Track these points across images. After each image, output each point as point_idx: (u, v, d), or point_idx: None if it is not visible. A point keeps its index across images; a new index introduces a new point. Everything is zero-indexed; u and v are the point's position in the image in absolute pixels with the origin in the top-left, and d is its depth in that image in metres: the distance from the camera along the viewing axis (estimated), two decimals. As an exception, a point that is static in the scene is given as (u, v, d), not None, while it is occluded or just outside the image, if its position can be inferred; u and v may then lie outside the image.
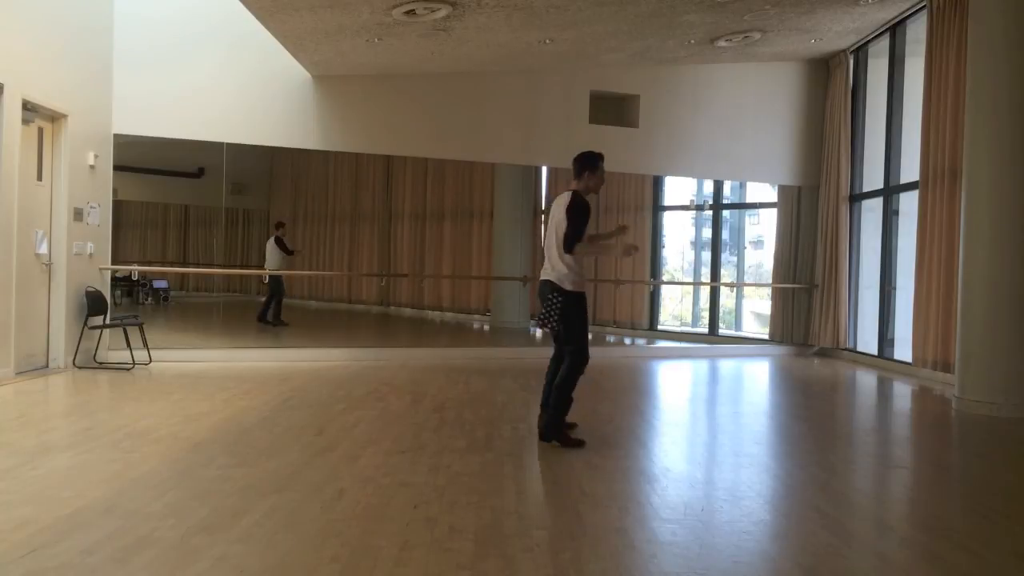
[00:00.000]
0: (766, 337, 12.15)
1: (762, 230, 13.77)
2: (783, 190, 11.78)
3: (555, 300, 5.27)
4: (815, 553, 3.48)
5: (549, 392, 5.41)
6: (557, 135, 10.34)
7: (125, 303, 14.33)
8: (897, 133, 10.21)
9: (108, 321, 8.64)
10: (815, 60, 11.28)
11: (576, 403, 5.42)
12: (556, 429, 5.26)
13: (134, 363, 8.36)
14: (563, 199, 5.34)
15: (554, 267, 5.32)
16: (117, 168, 9.13)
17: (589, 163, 5.40)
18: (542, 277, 5.41)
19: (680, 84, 11.02)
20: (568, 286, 5.27)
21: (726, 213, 13.83)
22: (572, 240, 5.23)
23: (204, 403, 6.48)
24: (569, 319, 5.31)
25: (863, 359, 10.60)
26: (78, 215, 8.30)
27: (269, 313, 12.61)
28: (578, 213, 5.23)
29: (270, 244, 12.66)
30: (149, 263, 14.76)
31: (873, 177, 10.74)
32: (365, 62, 9.30)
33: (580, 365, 5.31)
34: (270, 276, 12.33)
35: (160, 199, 15.39)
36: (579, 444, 5.23)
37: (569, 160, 5.51)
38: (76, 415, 6.20)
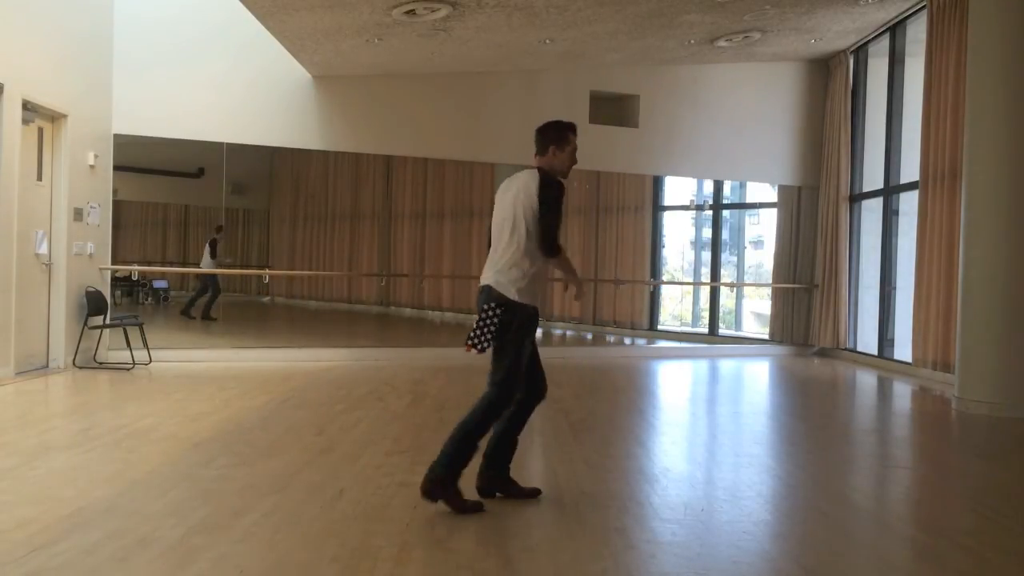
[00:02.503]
0: (766, 337, 12.15)
1: (762, 230, 13.76)
2: (783, 190, 11.78)
3: (493, 312, 3.87)
4: (815, 553, 3.48)
5: (497, 443, 4.02)
6: (557, 135, 10.31)
7: (125, 303, 14.32)
8: (897, 133, 10.21)
9: (108, 321, 8.64)
10: (815, 60, 11.28)
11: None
12: (445, 484, 3.77)
13: (134, 363, 8.36)
14: (521, 180, 4.00)
15: (496, 267, 3.95)
16: (117, 168, 9.13)
17: (555, 135, 4.05)
18: (481, 282, 4.01)
19: (680, 84, 11.01)
20: (514, 295, 3.88)
21: (726, 213, 13.83)
22: (555, 234, 3.88)
23: (204, 403, 6.48)
24: (506, 339, 3.88)
25: (863, 359, 10.60)
26: (78, 215, 8.30)
27: (212, 308, 13.02)
28: (556, 197, 3.89)
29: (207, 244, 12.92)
30: (149, 263, 14.76)
31: (873, 177, 10.74)
32: (365, 62, 9.30)
33: (502, 403, 3.90)
34: (207, 274, 12.75)
35: (160, 199, 15.38)
36: (476, 508, 3.81)
37: None
38: (76, 415, 6.19)
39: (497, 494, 4.02)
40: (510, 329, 3.87)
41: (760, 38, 9.60)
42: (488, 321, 3.86)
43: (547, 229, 3.85)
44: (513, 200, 3.97)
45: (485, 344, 3.86)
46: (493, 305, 3.87)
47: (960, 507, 4.32)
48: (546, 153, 4.05)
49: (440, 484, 3.77)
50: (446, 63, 9.61)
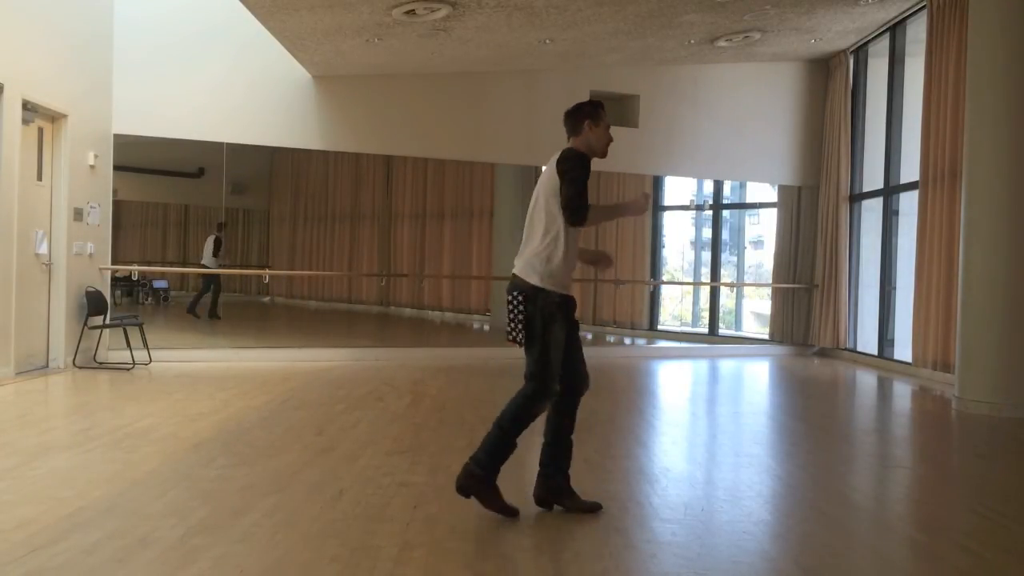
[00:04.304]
0: (766, 337, 12.15)
1: (762, 230, 13.77)
2: (783, 190, 11.78)
3: (516, 301, 3.70)
4: (815, 553, 3.48)
5: (550, 452, 3.88)
6: (557, 135, 10.14)
7: (125, 303, 14.32)
8: (897, 133, 10.20)
9: (108, 321, 8.64)
10: (815, 60, 11.28)
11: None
12: (481, 480, 3.65)
13: (134, 363, 8.35)
14: (549, 163, 3.82)
15: (523, 254, 3.76)
16: (117, 168, 9.13)
17: (589, 110, 3.86)
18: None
19: (680, 84, 11.02)
20: (536, 280, 3.69)
21: (726, 213, 13.83)
22: (579, 202, 3.59)
23: (204, 403, 6.48)
24: (533, 329, 3.68)
25: (863, 359, 10.60)
26: (78, 215, 8.30)
27: (202, 307, 13.09)
28: (575, 165, 3.66)
29: (209, 242, 12.90)
30: (149, 263, 14.76)
31: (873, 177, 10.74)
32: (365, 62, 9.30)
33: (538, 399, 3.72)
34: (209, 273, 12.78)
35: (160, 199, 15.39)
36: (511, 512, 3.68)
37: None
38: (76, 415, 6.20)
39: (555, 507, 3.82)
40: (536, 318, 3.67)
41: (760, 38, 9.60)
42: (514, 311, 3.70)
43: (569, 198, 3.60)
44: (539, 185, 3.80)
45: (519, 335, 3.71)
46: (516, 294, 3.71)
47: (960, 507, 4.32)
48: (580, 131, 3.82)
49: (476, 480, 3.65)
50: (446, 63, 9.61)
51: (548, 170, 3.79)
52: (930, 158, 8.99)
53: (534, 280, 3.67)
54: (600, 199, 13.55)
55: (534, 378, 3.71)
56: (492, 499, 3.66)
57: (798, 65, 11.39)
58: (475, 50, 9.15)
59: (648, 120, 10.88)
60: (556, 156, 3.77)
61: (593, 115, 3.83)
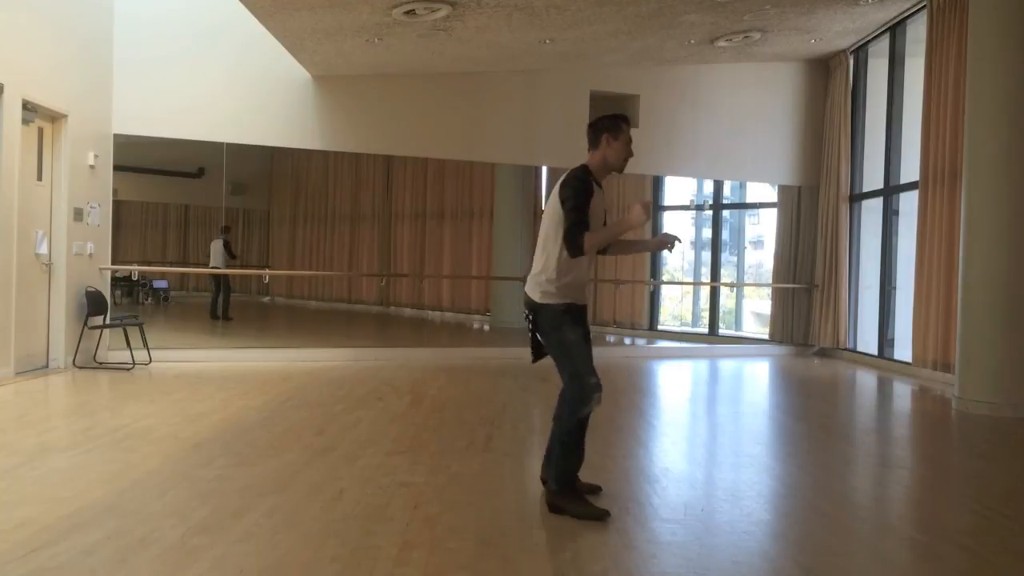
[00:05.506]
0: (766, 337, 12.15)
1: (762, 230, 13.77)
2: (783, 190, 11.78)
3: (528, 319, 3.95)
4: (815, 553, 3.48)
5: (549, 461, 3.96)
6: (557, 135, 10.33)
7: (125, 303, 14.33)
8: (897, 133, 10.21)
9: (108, 321, 8.64)
10: (815, 60, 11.28)
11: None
12: (564, 495, 3.84)
13: (134, 363, 8.35)
14: (557, 184, 3.89)
15: (531, 273, 3.96)
16: (117, 168, 9.13)
17: (608, 124, 3.89)
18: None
19: (680, 84, 11.02)
20: (538, 296, 3.88)
21: (726, 213, 13.83)
22: (575, 236, 3.70)
23: (204, 403, 6.48)
24: (548, 340, 3.90)
25: (863, 359, 10.60)
26: (78, 215, 8.30)
27: (228, 309, 13.26)
28: (576, 192, 3.75)
29: (216, 245, 12.93)
30: (149, 263, 14.76)
31: (873, 177, 10.74)
32: (365, 62, 9.30)
33: (581, 400, 3.81)
34: (220, 274, 12.93)
35: (160, 199, 15.40)
36: (601, 516, 3.75)
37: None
38: (76, 415, 6.20)
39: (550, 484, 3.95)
40: (546, 329, 3.90)
41: (760, 38, 9.60)
42: (530, 329, 3.97)
43: (566, 231, 3.74)
44: (548, 202, 3.92)
45: (533, 354, 4.02)
46: (526, 312, 3.97)
47: (960, 507, 4.32)
48: (599, 145, 3.89)
49: (560, 496, 3.83)
50: (446, 63, 9.61)
51: (553, 192, 3.88)
52: (930, 158, 8.99)
53: (536, 297, 3.89)
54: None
55: (569, 380, 3.85)
56: (581, 508, 3.78)
57: (798, 65, 11.40)
58: (475, 50, 9.15)
59: (648, 120, 10.87)
60: (563, 177, 3.86)
61: (612, 129, 3.88)
